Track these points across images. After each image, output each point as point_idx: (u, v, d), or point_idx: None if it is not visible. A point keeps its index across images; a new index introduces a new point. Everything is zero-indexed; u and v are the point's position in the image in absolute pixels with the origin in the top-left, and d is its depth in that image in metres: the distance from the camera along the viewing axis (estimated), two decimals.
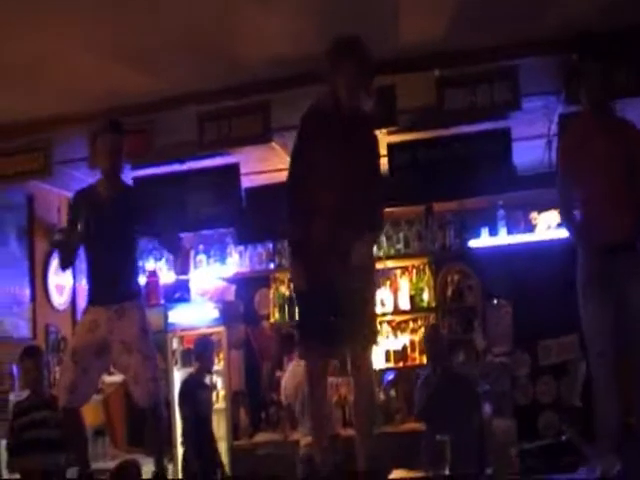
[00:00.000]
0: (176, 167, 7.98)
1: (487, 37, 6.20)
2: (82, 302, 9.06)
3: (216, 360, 9.16)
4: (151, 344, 5.42)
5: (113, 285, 5.27)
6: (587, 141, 4.95)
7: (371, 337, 4.70)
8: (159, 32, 5.73)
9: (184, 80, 6.51)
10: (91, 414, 7.71)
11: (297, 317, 4.94)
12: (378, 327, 5.04)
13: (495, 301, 9.25)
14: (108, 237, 5.26)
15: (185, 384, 8.40)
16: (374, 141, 4.77)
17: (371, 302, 4.76)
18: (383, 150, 7.62)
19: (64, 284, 8.93)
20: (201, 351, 8.47)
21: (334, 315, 4.41)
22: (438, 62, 6.44)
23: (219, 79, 6.50)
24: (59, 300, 8.83)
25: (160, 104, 6.76)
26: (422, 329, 9.36)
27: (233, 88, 6.57)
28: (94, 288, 5.37)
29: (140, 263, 5.78)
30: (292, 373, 8.01)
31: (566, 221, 5.25)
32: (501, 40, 6.24)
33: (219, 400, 9.32)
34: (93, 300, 5.35)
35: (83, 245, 5.34)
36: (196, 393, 8.17)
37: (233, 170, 7.86)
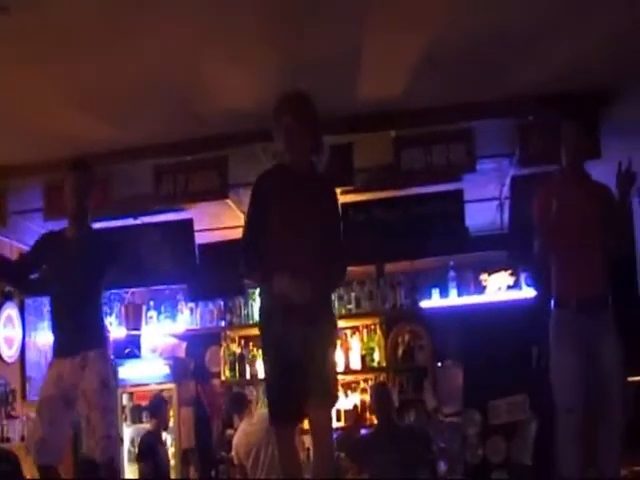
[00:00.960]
0: (129, 221, 7.93)
1: (444, 98, 6.31)
2: (32, 355, 9.06)
3: None
4: (111, 398, 5.40)
5: (76, 333, 5.17)
6: (563, 198, 5.00)
7: (332, 398, 4.52)
8: (121, 82, 5.73)
9: (143, 132, 6.51)
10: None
11: (265, 381, 4.72)
12: (339, 388, 4.83)
13: (445, 361, 9.28)
14: (71, 281, 5.18)
15: (144, 440, 8.31)
16: (331, 198, 4.59)
17: (333, 361, 4.62)
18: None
19: (13, 337, 8.80)
20: (156, 408, 8.40)
21: (300, 376, 4.29)
22: (395, 122, 6.52)
23: (178, 132, 6.51)
24: (8, 353, 8.67)
25: (118, 155, 6.73)
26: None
27: (192, 142, 6.59)
28: (58, 338, 5.28)
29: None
30: (244, 432, 7.95)
31: (539, 275, 5.34)
32: (458, 101, 6.35)
33: (169, 457, 9.19)
34: (57, 352, 5.26)
35: (47, 293, 5.28)
36: (157, 449, 8.10)
37: (187, 226, 7.80)
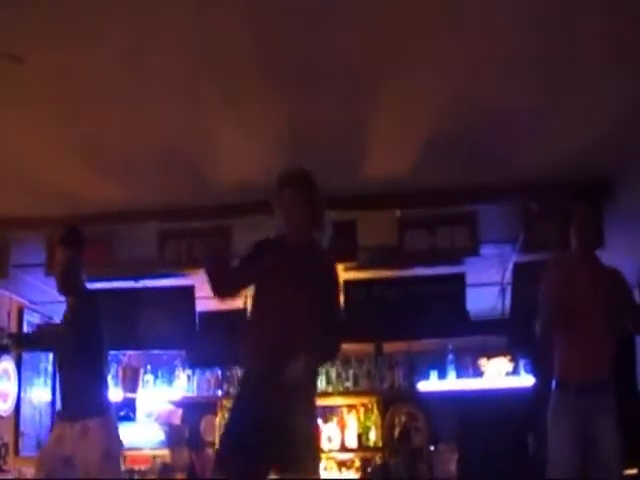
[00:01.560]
0: (131, 284, 7.95)
1: (449, 180, 6.37)
2: (26, 410, 9.01)
3: None
4: (115, 469, 5.22)
5: (76, 399, 5.16)
6: (571, 280, 5.04)
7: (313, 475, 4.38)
8: (130, 144, 5.79)
9: (149, 195, 6.56)
10: None
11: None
12: (319, 466, 4.72)
13: (439, 445, 9.20)
14: (69, 349, 5.20)
15: None
16: (329, 273, 4.57)
17: (313, 437, 4.55)
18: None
19: (8, 391, 8.76)
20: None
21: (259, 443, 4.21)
22: (400, 201, 6.57)
23: (184, 198, 6.57)
24: (2, 407, 8.62)
25: (123, 216, 6.79)
26: (369, 468, 9.31)
27: (197, 209, 6.64)
28: (61, 400, 5.32)
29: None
30: None
31: (538, 361, 5.34)
32: (463, 184, 6.41)
33: None
34: (59, 414, 5.30)
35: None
36: None
37: (188, 292, 7.83)
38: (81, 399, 5.17)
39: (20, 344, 6.10)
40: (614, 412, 4.97)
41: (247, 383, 4.50)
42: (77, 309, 5.33)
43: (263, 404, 4.24)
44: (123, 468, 9.23)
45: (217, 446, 4.68)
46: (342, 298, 7.47)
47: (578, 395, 4.95)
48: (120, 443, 5.44)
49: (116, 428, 5.34)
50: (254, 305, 4.53)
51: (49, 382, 9.33)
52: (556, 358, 5.14)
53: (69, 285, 5.38)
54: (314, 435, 4.58)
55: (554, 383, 5.15)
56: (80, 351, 5.21)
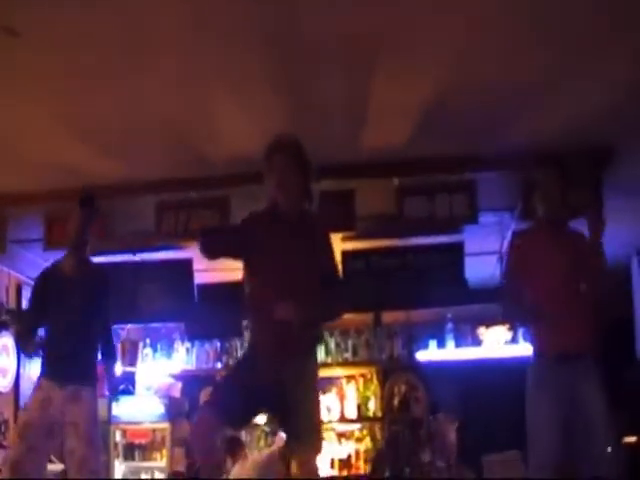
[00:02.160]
0: (129, 257, 7.94)
1: (448, 148, 6.34)
2: (25, 386, 9.00)
3: (158, 456, 9.04)
4: (99, 435, 5.36)
5: (71, 366, 5.16)
6: (536, 247, 5.02)
7: (316, 445, 4.46)
8: (127, 117, 5.75)
9: (147, 168, 6.53)
10: None
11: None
12: (323, 435, 4.82)
13: (439, 415, 9.22)
14: (71, 314, 5.20)
15: None
16: (323, 240, 4.53)
17: (317, 407, 4.55)
18: (337, 256, 7.70)
19: (7, 367, 8.75)
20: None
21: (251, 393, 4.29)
22: (398, 170, 6.54)
23: (182, 170, 6.53)
24: (1, 383, 8.62)
25: (120, 189, 6.73)
26: (367, 438, 9.35)
27: (195, 180, 6.61)
28: (51, 363, 5.25)
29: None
30: (235, 476, 7.87)
31: (512, 310, 5.31)
32: (461, 152, 6.39)
33: None
34: (48, 375, 5.22)
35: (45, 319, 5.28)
36: None
37: (186, 264, 7.82)
38: (78, 367, 5.20)
39: (19, 320, 6.07)
40: (597, 379, 4.88)
41: (252, 353, 4.52)
42: (81, 275, 5.34)
43: (266, 373, 4.27)
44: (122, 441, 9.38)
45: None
46: (341, 268, 7.56)
47: (557, 365, 4.86)
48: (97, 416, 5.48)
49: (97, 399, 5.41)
50: (252, 279, 4.48)
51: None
52: (533, 329, 5.10)
53: (84, 245, 5.41)
54: (318, 407, 4.58)
55: (532, 356, 5.07)
56: (84, 318, 5.25)
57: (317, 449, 4.49)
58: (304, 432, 4.36)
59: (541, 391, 4.90)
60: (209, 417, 4.33)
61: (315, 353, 4.58)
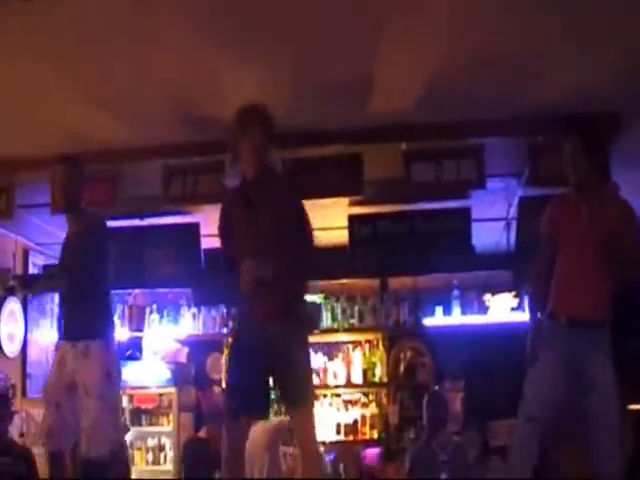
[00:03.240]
0: (136, 222, 7.94)
1: (455, 113, 6.30)
2: (33, 352, 9.06)
3: (165, 421, 9.08)
4: (114, 390, 5.33)
5: (80, 320, 5.21)
6: (568, 217, 4.99)
7: (306, 400, 4.56)
8: (133, 81, 5.72)
9: (154, 132, 6.50)
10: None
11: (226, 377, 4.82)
12: (314, 390, 4.90)
13: (445, 381, 9.27)
14: (75, 273, 5.23)
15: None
16: (292, 198, 4.64)
17: (305, 363, 4.63)
18: (344, 221, 7.72)
19: (15, 333, 8.80)
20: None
21: (258, 373, 4.41)
22: (406, 134, 6.52)
23: (189, 134, 6.50)
24: (9, 348, 8.67)
25: (127, 154, 6.70)
26: (373, 404, 9.40)
27: (202, 144, 6.58)
28: (63, 322, 5.32)
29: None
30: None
31: (533, 291, 5.30)
32: (469, 117, 6.35)
33: (167, 462, 9.21)
34: (61, 334, 5.31)
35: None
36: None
37: (193, 229, 7.83)
38: (84, 320, 5.23)
39: (26, 286, 6.09)
40: (607, 349, 4.88)
41: (242, 327, 4.64)
42: (84, 231, 5.37)
43: (259, 337, 4.39)
44: (129, 406, 9.41)
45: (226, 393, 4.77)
46: (348, 233, 7.59)
47: (568, 329, 4.86)
48: (119, 366, 5.50)
49: (115, 351, 5.44)
50: (235, 252, 4.54)
51: (55, 323, 9.38)
52: (551, 291, 5.04)
53: (75, 204, 5.42)
54: (310, 368, 4.69)
55: (546, 315, 5.07)
56: (85, 272, 5.27)
57: (308, 405, 4.55)
58: (295, 389, 4.47)
59: (545, 352, 4.91)
60: (237, 424, 4.51)
61: (301, 312, 4.63)
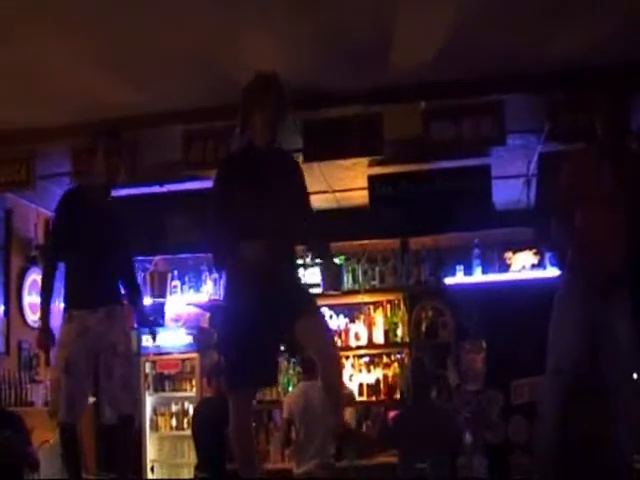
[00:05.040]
0: (155, 189, 7.95)
1: (474, 71, 6.27)
2: (56, 321, 9.07)
3: (188, 386, 9.18)
4: (131, 348, 5.49)
5: (103, 287, 5.22)
6: (592, 174, 4.94)
7: (310, 303, 4.46)
8: (151, 46, 5.71)
9: (173, 97, 6.50)
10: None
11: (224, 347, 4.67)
12: (314, 297, 4.91)
13: (468, 339, 9.28)
14: (98, 244, 5.23)
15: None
16: (296, 173, 4.60)
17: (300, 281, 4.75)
18: (364, 182, 7.72)
19: (38, 303, 8.83)
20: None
21: (260, 342, 4.28)
22: (425, 93, 6.49)
23: (209, 98, 6.47)
24: (33, 317, 8.73)
25: (147, 120, 6.71)
26: (395, 364, 9.42)
27: (222, 108, 6.52)
28: (80, 290, 5.25)
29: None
30: (301, 392, 7.87)
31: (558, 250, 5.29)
32: (488, 74, 6.31)
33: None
34: (79, 304, 5.20)
35: (71, 247, 5.29)
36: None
37: None
38: (109, 287, 5.31)
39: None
40: (628, 308, 4.86)
41: (237, 286, 4.44)
42: (110, 207, 5.40)
43: (256, 304, 4.25)
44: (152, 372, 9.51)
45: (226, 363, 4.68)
46: (368, 194, 7.59)
47: (589, 283, 4.86)
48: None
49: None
50: (235, 220, 4.40)
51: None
52: (572, 247, 5.05)
53: (113, 178, 5.39)
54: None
55: (566, 268, 5.09)
56: (119, 249, 5.34)
57: (313, 307, 4.45)
58: (298, 302, 4.33)
59: (568, 304, 4.91)
60: (245, 402, 4.46)
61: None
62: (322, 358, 4.36)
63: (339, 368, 4.65)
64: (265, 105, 4.38)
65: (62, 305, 5.32)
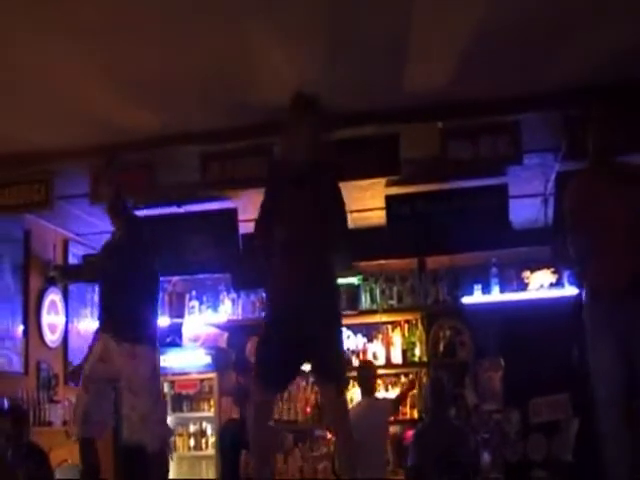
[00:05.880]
0: (174, 209, 7.98)
1: (491, 90, 6.28)
2: (74, 341, 9.14)
3: (206, 406, 9.22)
4: (160, 387, 5.55)
5: (125, 324, 5.26)
6: (594, 195, 4.98)
7: (340, 378, 4.66)
8: (168, 69, 5.74)
9: (189, 118, 6.52)
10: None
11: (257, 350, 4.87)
12: (346, 369, 5.03)
13: (486, 358, 9.25)
14: (118, 273, 5.31)
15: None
16: (331, 189, 4.74)
17: (337, 341, 4.72)
18: (381, 202, 7.72)
19: (57, 323, 8.90)
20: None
21: (291, 348, 4.47)
22: (442, 113, 6.50)
23: (225, 119, 6.50)
24: (51, 338, 8.78)
25: (165, 141, 6.73)
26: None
27: (238, 129, 6.59)
28: (106, 318, 5.33)
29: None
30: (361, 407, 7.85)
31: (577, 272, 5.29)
32: (505, 93, 6.32)
33: (209, 447, 9.28)
34: (105, 328, 5.31)
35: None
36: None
37: (231, 215, 7.88)
38: (132, 326, 5.28)
39: (66, 276, 6.15)
40: None
41: (277, 317, 4.67)
42: (129, 234, 5.43)
43: (293, 317, 4.47)
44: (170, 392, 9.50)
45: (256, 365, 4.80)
46: (385, 213, 7.58)
47: (611, 304, 4.87)
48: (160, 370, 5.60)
49: (159, 357, 5.54)
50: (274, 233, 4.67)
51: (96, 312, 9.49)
52: (587, 270, 5.07)
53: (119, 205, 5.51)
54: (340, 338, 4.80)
55: (585, 294, 5.09)
56: (135, 283, 5.35)
57: (341, 385, 4.65)
58: (326, 363, 4.55)
59: (599, 333, 4.93)
60: (266, 400, 4.66)
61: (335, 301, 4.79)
62: (339, 442, 4.71)
63: (352, 447, 4.70)
64: (301, 122, 4.64)
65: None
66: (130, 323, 5.27)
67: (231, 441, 7.99)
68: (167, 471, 5.67)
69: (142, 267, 5.40)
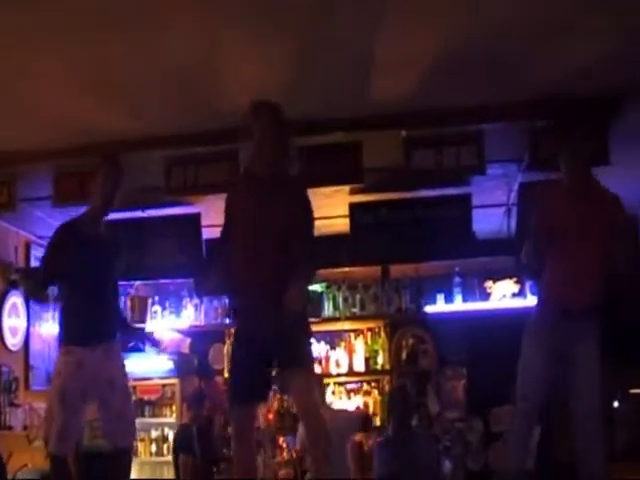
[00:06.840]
0: (138, 213, 7.94)
1: (455, 100, 6.31)
2: (35, 344, 9.06)
3: (168, 412, 9.25)
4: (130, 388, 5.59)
5: (102, 324, 5.24)
6: (563, 208, 4.99)
7: (309, 361, 4.68)
8: (135, 71, 5.73)
9: (155, 122, 6.50)
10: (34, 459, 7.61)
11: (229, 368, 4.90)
12: (313, 354, 4.95)
13: (448, 367, 9.29)
14: (97, 275, 5.25)
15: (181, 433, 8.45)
16: (299, 199, 4.68)
17: (304, 334, 4.68)
18: (345, 210, 7.73)
19: (18, 326, 8.81)
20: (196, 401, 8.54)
21: (263, 359, 4.48)
22: (406, 122, 6.53)
23: (190, 124, 6.50)
24: (12, 341, 8.69)
25: (128, 145, 6.69)
26: (375, 391, 9.42)
27: (203, 134, 6.58)
28: (79, 327, 5.24)
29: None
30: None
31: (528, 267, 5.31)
32: (468, 103, 6.35)
33: (170, 452, 9.23)
34: (76, 340, 5.21)
35: (64, 283, 5.29)
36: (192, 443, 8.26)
37: (195, 220, 7.85)
38: (109, 324, 5.31)
39: (27, 279, 6.11)
40: (597, 342, 4.91)
41: (242, 325, 4.71)
42: (105, 235, 5.45)
43: (261, 338, 4.44)
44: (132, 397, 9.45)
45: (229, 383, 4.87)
46: (349, 221, 7.59)
47: (560, 318, 4.90)
48: None
49: None
50: (231, 241, 4.65)
51: (57, 316, 9.39)
52: (542, 280, 5.12)
53: (110, 206, 5.49)
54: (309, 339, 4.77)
55: (537, 304, 5.17)
56: (111, 279, 5.39)
57: (306, 365, 4.60)
58: (291, 351, 4.48)
59: (536, 340, 5.00)
60: (246, 415, 4.62)
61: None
62: (307, 424, 4.61)
63: (327, 442, 4.62)
64: (252, 131, 4.59)
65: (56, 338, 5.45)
66: (106, 324, 5.29)
67: (182, 446, 8.06)
68: (129, 472, 5.65)
69: (118, 266, 5.47)
